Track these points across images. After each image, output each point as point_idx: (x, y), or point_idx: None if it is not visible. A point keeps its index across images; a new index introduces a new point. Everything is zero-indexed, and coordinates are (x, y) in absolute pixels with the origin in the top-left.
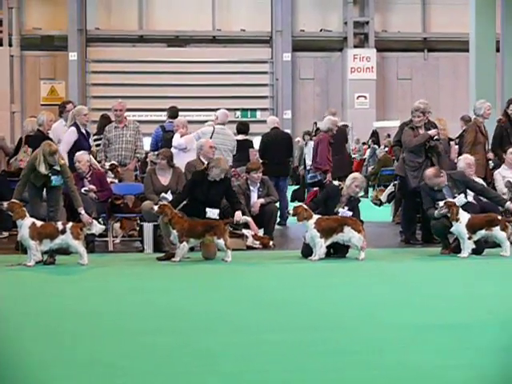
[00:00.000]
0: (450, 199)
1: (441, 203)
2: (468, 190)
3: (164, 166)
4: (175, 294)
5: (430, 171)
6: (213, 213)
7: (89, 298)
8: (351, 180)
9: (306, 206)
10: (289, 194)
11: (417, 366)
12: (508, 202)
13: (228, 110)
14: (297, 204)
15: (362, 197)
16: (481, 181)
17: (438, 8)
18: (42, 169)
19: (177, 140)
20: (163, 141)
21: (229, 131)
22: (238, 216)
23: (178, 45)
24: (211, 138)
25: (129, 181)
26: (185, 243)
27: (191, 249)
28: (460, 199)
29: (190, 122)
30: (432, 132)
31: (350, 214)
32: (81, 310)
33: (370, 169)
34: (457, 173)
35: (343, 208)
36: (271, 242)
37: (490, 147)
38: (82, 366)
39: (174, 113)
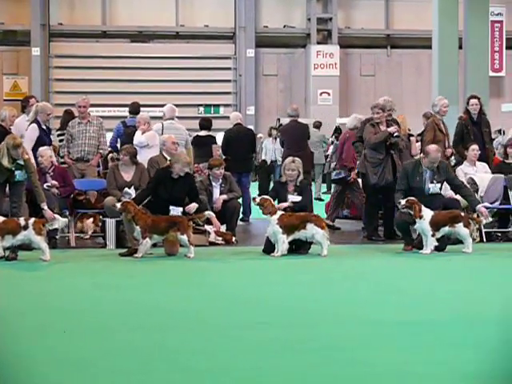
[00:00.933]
0: (412, 198)
1: (402, 201)
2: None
3: (127, 162)
4: (141, 290)
5: (433, 146)
6: (176, 211)
7: (54, 295)
8: (283, 166)
9: (272, 201)
10: (252, 190)
11: (379, 363)
12: (479, 205)
13: (191, 105)
14: (265, 196)
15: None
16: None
17: (401, 5)
18: (5, 162)
19: (138, 138)
20: (124, 136)
21: (179, 125)
22: (191, 207)
23: (141, 40)
24: (162, 134)
25: (91, 176)
26: (148, 239)
27: (154, 245)
28: (435, 187)
29: (152, 117)
30: (391, 129)
31: (300, 198)
32: (48, 307)
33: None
34: (444, 162)
35: (292, 194)
36: (234, 238)
37: (449, 144)
38: (61, 363)
39: (135, 108)
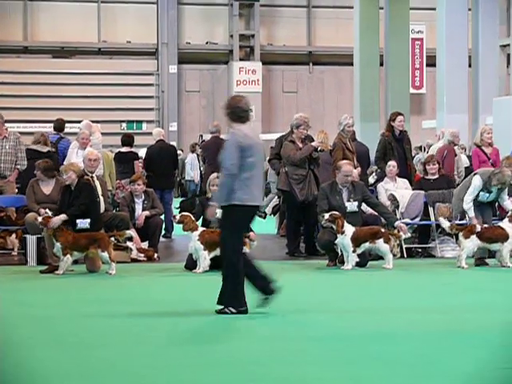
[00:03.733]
0: (336, 212)
1: (326, 215)
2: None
3: (41, 177)
4: (61, 307)
5: (343, 160)
6: (83, 223)
7: None
8: (208, 182)
9: (193, 217)
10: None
11: (295, 378)
12: (397, 221)
13: (114, 121)
14: (185, 213)
15: None
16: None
17: (323, 22)
18: None
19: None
20: None
21: (96, 140)
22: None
23: (63, 56)
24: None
25: (10, 193)
26: (68, 256)
27: (75, 261)
28: (352, 205)
29: (74, 133)
30: (315, 143)
31: None
32: None
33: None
34: (359, 182)
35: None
36: (156, 255)
37: (356, 162)
38: None
39: (60, 125)
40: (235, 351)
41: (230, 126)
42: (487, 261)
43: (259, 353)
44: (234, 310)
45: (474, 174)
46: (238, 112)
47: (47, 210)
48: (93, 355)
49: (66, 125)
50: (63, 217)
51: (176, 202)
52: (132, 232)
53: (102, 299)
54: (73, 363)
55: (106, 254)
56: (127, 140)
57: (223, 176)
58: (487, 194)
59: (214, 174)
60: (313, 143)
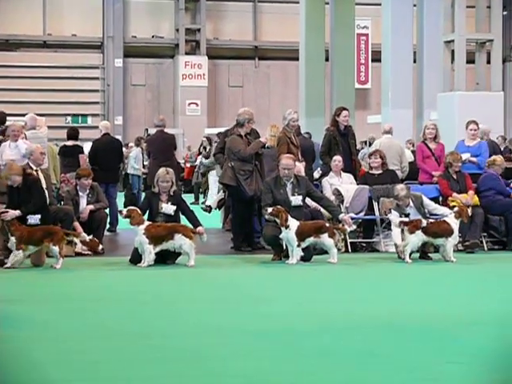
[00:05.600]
0: (279, 206)
1: (269, 209)
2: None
3: None
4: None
5: (285, 154)
6: (34, 219)
7: None
8: (156, 178)
9: (139, 211)
10: (119, 201)
11: (249, 373)
12: (342, 214)
13: (59, 115)
14: (132, 207)
15: (192, 204)
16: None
17: (269, 17)
18: None
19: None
20: None
21: (41, 134)
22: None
23: (8, 49)
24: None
25: None
26: (21, 251)
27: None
28: (297, 199)
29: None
30: (264, 139)
31: (174, 208)
32: None
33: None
34: (303, 176)
35: (166, 204)
36: (100, 247)
37: (300, 157)
38: None
39: (1, 118)
40: (186, 346)
41: None
42: (431, 255)
43: (208, 347)
44: None
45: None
46: None
47: None
48: (40, 349)
49: (12, 118)
50: (18, 212)
51: (120, 196)
52: (86, 236)
53: (47, 293)
54: (12, 358)
55: (56, 248)
56: (72, 133)
57: None
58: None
59: (163, 170)
60: (261, 139)
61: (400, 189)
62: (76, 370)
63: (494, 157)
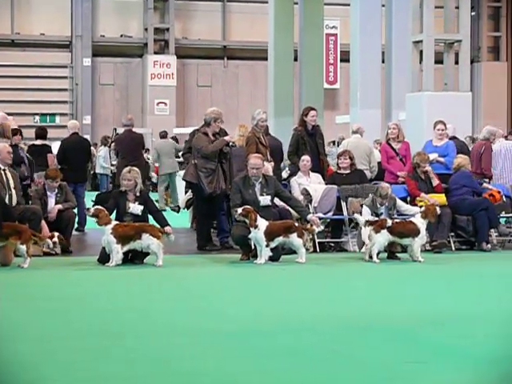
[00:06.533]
0: (248, 206)
1: (239, 209)
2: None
3: None
4: None
5: (255, 156)
6: None
7: None
8: (120, 177)
9: (106, 211)
10: (87, 200)
11: (215, 373)
12: (310, 214)
13: (27, 114)
14: (99, 206)
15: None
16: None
17: (238, 17)
18: None
19: None
20: None
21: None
22: None
23: None
24: None
25: None
26: None
27: None
28: (265, 199)
29: None
30: (227, 138)
31: (141, 207)
32: None
33: None
34: (271, 176)
35: (133, 203)
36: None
37: (269, 157)
38: None
39: None
40: (155, 345)
41: None
42: (399, 255)
43: (176, 347)
44: None
45: (361, 206)
46: None
47: None
48: (8, 349)
49: None
50: None
51: (88, 196)
52: (50, 242)
53: (14, 293)
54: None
55: (24, 248)
56: (41, 133)
57: None
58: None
59: (127, 168)
60: (225, 137)
61: (386, 187)
62: (47, 370)
63: (457, 161)
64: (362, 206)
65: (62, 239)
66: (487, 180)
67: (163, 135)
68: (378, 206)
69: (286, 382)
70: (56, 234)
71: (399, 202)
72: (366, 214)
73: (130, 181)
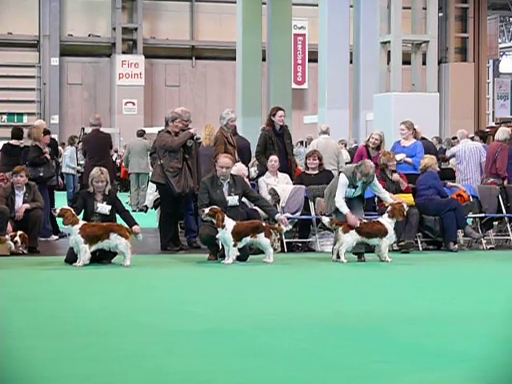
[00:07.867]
0: (216, 206)
1: (206, 210)
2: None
3: None
4: None
5: (224, 155)
6: None
7: None
8: (90, 178)
9: (73, 211)
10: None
11: (178, 371)
12: (278, 214)
13: None
14: (66, 206)
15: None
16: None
17: (206, 16)
18: None
19: None
20: None
21: None
22: None
23: None
24: None
25: None
26: None
27: None
28: (233, 199)
29: None
30: (193, 131)
31: (109, 207)
32: None
33: None
34: (239, 176)
35: (101, 203)
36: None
37: (237, 157)
38: None
39: None
40: (117, 344)
41: None
42: (365, 255)
43: (141, 345)
44: None
45: (340, 173)
46: None
47: None
48: None
49: None
50: None
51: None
52: (12, 244)
53: None
54: None
55: None
56: (17, 132)
57: None
58: (353, 190)
59: (97, 170)
60: (190, 130)
61: (370, 166)
62: (9, 369)
63: (424, 161)
64: (340, 173)
65: (26, 238)
66: (494, 179)
67: (140, 133)
68: (357, 179)
69: (254, 381)
70: (19, 232)
71: (375, 182)
72: (342, 186)
73: (103, 182)
